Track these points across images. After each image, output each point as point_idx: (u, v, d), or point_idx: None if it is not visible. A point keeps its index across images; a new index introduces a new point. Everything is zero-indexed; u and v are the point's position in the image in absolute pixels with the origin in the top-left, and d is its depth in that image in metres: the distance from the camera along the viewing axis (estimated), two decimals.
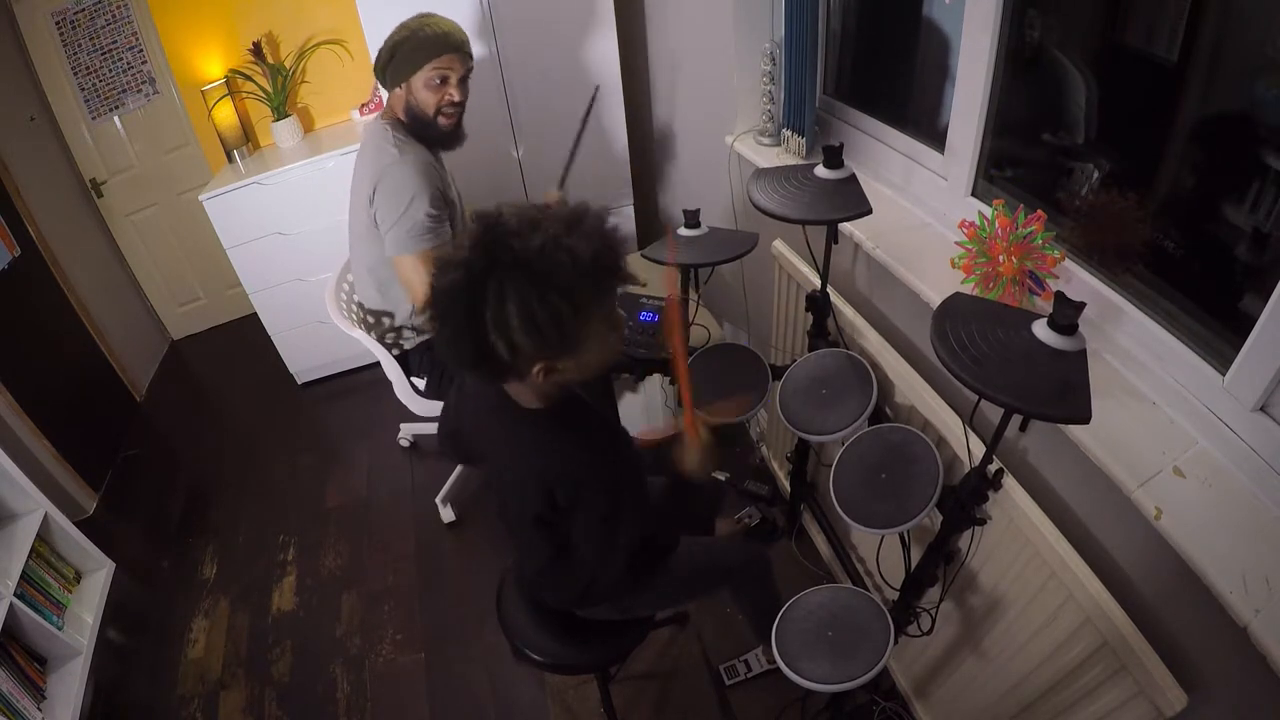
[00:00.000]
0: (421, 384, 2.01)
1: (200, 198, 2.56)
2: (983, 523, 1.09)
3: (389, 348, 1.94)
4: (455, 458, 1.30)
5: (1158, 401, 1.00)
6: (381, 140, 1.68)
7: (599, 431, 1.07)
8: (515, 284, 0.83)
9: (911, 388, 1.29)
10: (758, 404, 1.50)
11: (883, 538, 1.30)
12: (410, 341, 1.94)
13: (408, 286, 1.75)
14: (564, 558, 1.17)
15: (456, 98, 1.69)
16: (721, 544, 1.57)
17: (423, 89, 1.66)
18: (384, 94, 1.85)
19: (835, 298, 1.47)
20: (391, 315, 1.90)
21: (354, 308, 1.99)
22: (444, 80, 1.66)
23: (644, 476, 1.09)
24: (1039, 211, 1.07)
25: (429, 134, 1.72)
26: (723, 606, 1.88)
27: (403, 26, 1.64)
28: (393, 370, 1.97)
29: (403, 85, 1.67)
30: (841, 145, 1.25)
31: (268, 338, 2.90)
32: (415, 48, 1.62)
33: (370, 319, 1.91)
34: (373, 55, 1.75)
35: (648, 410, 2.23)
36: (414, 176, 1.63)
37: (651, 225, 3.06)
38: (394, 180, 1.64)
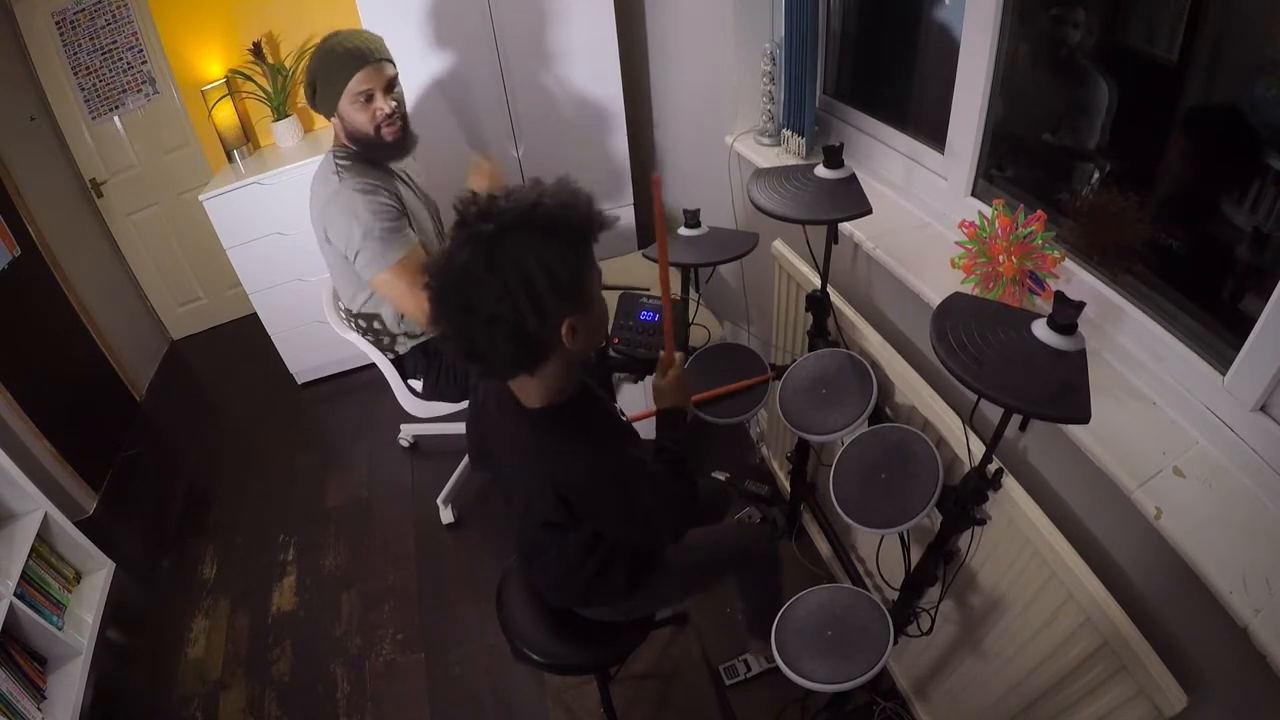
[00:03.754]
0: (419, 385, 2.01)
1: (200, 198, 2.57)
2: (982, 523, 1.09)
3: (384, 351, 1.94)
4: (489, 472, 1.30)
5: (1158, 401, 1.00)
6: (324, 172, 1.66)
7: (601, 424, 1.07)
8: (527, 241, 0.85)
9: (911, 388, 1.29)
10: (759, 403, 1.50)
11: (883, 538, 1.30)
12: (404, 346, 1.94)
13: (394, 304, 1.74)
14: (581, 559, 1.18)
15: (387, 109, 1.63)
16: (724, 529, 1.57)
17: (351, 110, 1.61)
18: None
19: (835, 298, 1.47)
20: (378, 317, 1.89)
21: (339, 310, 1.98)
22: (369, 98, 1.61)
23: (644, 454, 1.09)
24: (1039, 211, 1.07)
25: (377, 152, 1.68)
26: (723, 606, 1.88)
27: (315, 52, 1.60)
28: (389, 373, 1.97)
29: (334, 113, 1.63)
30: (841, 145, 1.25)
31: (268, 338, 2.90)
32: (330, 73, 1.58)
33: (362, 323, 1.91)
34: None
35: (647, 407, 2.23)
36: (356, 200, 1.60)
37: (652, 225, 3.06)
38: (337, 211, 1.62)
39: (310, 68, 1.61)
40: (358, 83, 1.58)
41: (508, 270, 0.84)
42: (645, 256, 1.50)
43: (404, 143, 1.71)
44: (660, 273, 1.12)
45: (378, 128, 1.64)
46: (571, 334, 0.92)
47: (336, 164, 1.65)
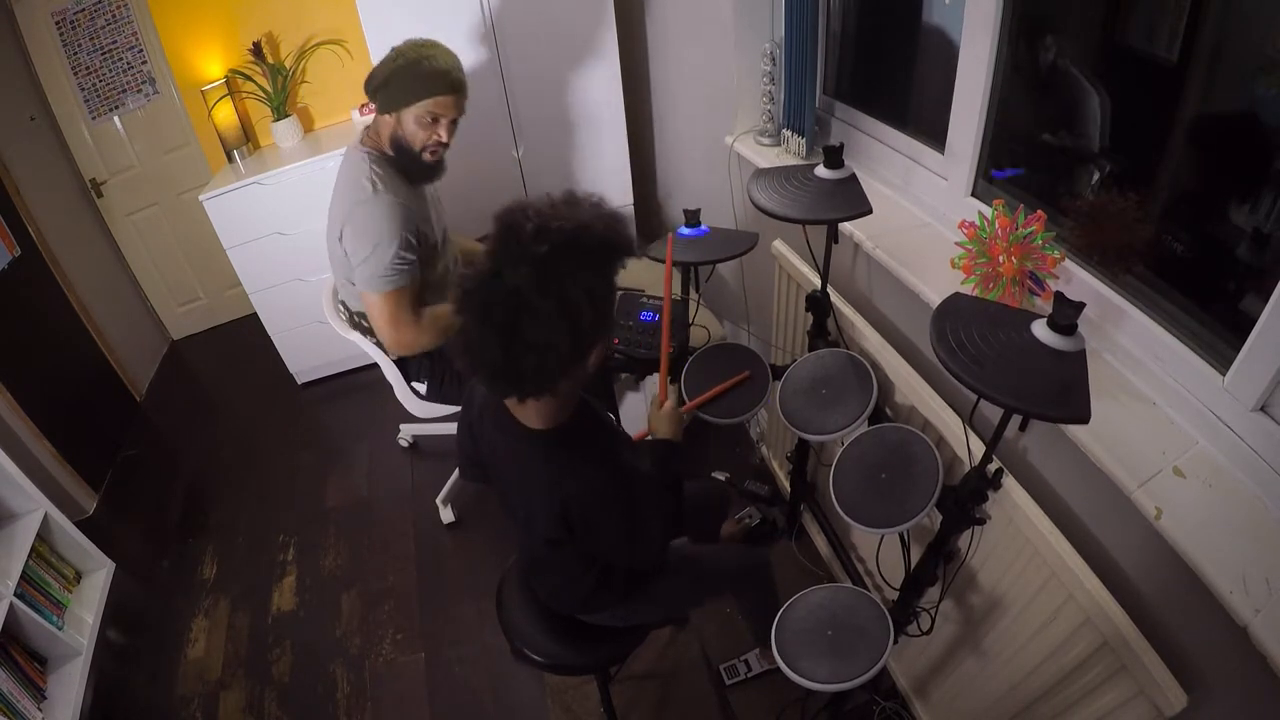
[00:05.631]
0: (422, 388, 2.01)
1: (200, 198, 2.56)
2: (982, 522, 1.09)
3: (387, 352, 1.94)
4: (481, 481, 1.28)
5: (1158, 401, 1.00)
6: (358, 174, 1.64)
7: (602, 443, 1.07)
8: (575, 266, 0.83)
9: (911, 388, 1.29)
10: (759, 403, 1.50)
11: (882, 537, 1.30)
12: None
13: (374, 324, 1.75)
14: (581, 570, 1.18)
15: (444, 139, 1.65)
16: (723, 549, 1.57)
17: (413, 123, 1.62)
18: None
19: (835, 298, 1.47)
20: None
21: (340, 307, 1.98)
22: (435, 120, 1.62)
23: (644, 470, 1.11)
24: (1039, 212, 1.07)
25: (411, 167, 1.69)
26: (723, 607, 1.88)
27: (401, 54, 1.58)
28: (392, 373, 1.97)
29: (393, 114, 1.63)
30: (841, 145, 1.25)
31: (268, 338, 2.90)
32: (414, 80, 1.57)
33: (366, 322, 1.91)
34: (373, 56, 1.74)
35: (648, 409, 2.23)
36: (383, 217, 1.60)
37: (652, 225, 3.07)
38: (362, 220, 1.61)
39: (396, 63, 1.57)
40: (437, 104, 1.60)
41: (560, 298, 0.82)
42: (645, 256, 1.50)
43: (437, 168, 1.73)
44: (664, 317, 1.16)
45: (424, 148, 1.65)
46: (596, 357, 0.92)
47: (373, 171, 1.64)
